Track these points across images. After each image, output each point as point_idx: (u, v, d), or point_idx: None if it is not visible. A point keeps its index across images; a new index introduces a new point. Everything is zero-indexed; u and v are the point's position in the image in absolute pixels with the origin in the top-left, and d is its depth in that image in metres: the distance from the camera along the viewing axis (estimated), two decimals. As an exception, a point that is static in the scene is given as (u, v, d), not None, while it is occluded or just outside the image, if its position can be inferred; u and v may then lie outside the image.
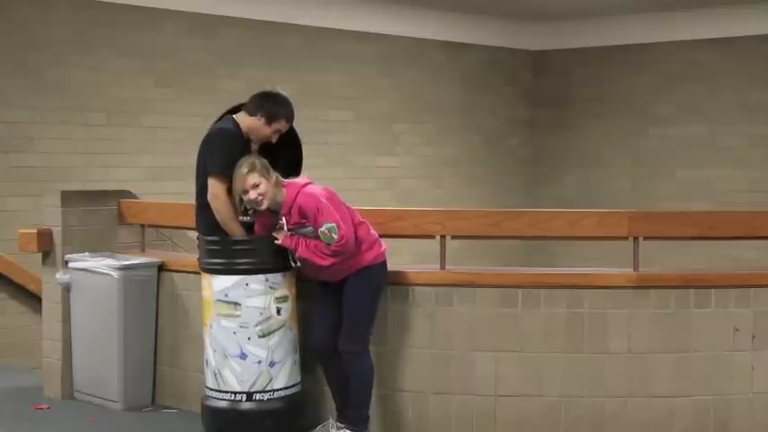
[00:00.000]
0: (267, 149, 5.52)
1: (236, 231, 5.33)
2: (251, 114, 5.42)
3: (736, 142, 12.03)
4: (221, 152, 5.31)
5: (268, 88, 5.55)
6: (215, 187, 5.31)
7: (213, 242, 5.40)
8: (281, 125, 5.44)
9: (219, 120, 5.52)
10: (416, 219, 5.71)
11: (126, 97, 9.51)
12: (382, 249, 5.34)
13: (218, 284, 5.37)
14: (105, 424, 5.93)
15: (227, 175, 5.27)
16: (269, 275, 5.35)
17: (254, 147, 5.50)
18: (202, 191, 5.41)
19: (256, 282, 5.34)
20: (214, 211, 5.33)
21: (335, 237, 5.08)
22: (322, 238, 5.11)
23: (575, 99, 13.28)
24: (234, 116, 5.46)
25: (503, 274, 5.61)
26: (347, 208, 5.29)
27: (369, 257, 5.27)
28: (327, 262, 5.16)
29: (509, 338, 5.43)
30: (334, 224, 5.09)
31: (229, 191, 5.29)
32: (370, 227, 5.36)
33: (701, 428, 5.38)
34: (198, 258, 5.54)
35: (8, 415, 6.13)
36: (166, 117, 9.79)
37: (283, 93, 5.51)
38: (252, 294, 5.34)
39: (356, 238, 5.21)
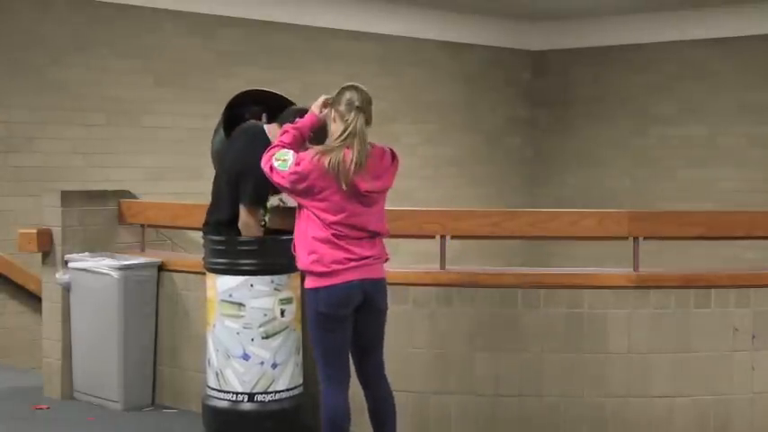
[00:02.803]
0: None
1: None
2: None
3: (736, 142, 12.03)
4: None
5: None
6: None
7: (218, 242, 5.39)
8: None
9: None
10: (416, 219, 5.71)
11: (126, 97, 9.51)
12: (328, 281, 4.50)
13: (223, 284, 5.36)
14: (105, 424, 5.93)
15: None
16: (274, 277, 5.34)
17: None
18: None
19: (262, 283, 5.32)
20: None
21: (288, 163, 4.55)
22: (278, 157, 4.60)
23: (575, 99, 13.28)
24: None
25: (503, 274, 5.60)
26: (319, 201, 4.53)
27: (308, 280, 4.61)
28: (266, 165, 4.68)
29: (509, 338, 5.43)
30: (292, 162, 4.55)
31: None
32: (333, 245, 4.52)
33: (701, 428, 5.37)
34: (203, 258, 5.54)
35: (8, 415, 6.12)
36: (166, 117, 9.79)
37: None
38: (257, 295, 5.32)
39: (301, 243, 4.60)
